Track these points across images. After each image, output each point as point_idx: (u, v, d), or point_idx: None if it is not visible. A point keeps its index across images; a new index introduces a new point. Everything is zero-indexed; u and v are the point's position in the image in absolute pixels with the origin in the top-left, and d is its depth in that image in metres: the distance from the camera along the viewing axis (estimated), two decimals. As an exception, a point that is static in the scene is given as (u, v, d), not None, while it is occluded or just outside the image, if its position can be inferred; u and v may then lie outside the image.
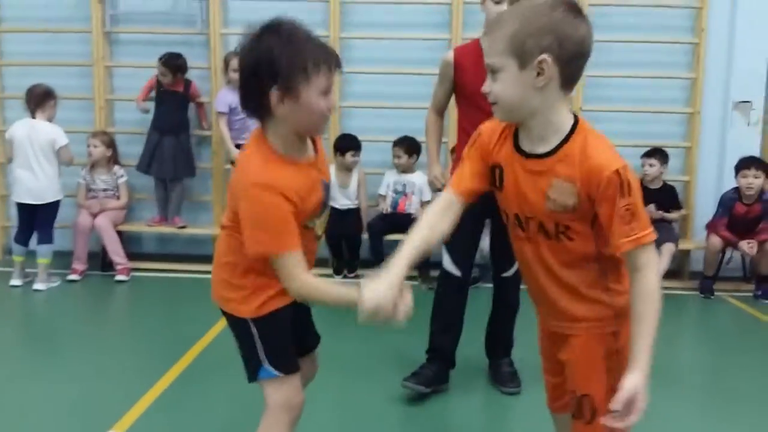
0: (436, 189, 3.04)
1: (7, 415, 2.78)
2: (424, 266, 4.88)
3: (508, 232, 1.69)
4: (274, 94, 1.62)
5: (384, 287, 1.51)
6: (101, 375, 3.24)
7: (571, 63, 1.46)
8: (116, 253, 5.01)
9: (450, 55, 2.99)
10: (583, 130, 1.52)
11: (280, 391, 1.87)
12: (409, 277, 5.13)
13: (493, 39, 1.50)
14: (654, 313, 1.47)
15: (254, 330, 1.83)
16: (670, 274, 4.96)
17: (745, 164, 4.81)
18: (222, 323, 3.73)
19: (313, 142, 1.84)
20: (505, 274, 3.09)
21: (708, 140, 5.28)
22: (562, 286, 1.58)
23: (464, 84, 2.92)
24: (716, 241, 4.87)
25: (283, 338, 1.88)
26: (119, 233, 5.19)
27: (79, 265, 4.97)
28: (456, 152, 3.02)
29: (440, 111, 3.13)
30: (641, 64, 5.15)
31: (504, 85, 1.48)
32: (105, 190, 5.23)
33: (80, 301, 4.64)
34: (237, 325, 1.86)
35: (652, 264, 1.48)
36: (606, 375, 1.59)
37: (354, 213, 5.15)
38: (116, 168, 5.26)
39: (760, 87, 5.21)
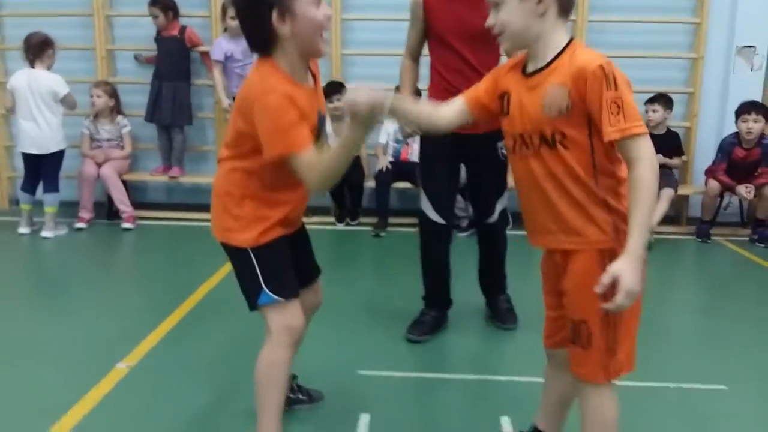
0: (407, 135, 2.97)
1: (21, 352, 2.89)
2: (383, 213, 4.98)
3: (511, 161, 1.78)
4: (274, 15, 1.75)
5: (366, 88, 1.71)
6: (110, 314, 3.35)
7: None
8: (122, 202, 5.09)
9: None
10: (574, 45, 1.66)
11: (280, 315, 1.95)
12: (366, 223, 5.08)
13: None
14: (646, 201, 1.54)
15: (254, 258, 1.92)
16: (668, 220, 5.02)
17: (745, 109, 4.81)
18: (225, 268, 3.91)
19: (313, 76, 1.94)
20: (489, 220, 3.06)
21: (710, 86, 5.26)
22: (567, 197, 1.66)
23: (434, 23, 2.84)
24: (714, 185, 4.91)
25: (282, 264, 1.96)
26: (124, 182, 5.26)
27: (86, 214, 5.05)
28: (429, 94, 2.93)
29: (414, 55, 3.02)
30: (644, 8, 5.10)
31: (508, 15, 1.65)
32: (109, 140, 5.28)
33: (87, 248, 4.73)
34: (237, 255, 1.95)
35: (645, 156, 1.55)
36: (602, 302, 1.64)
37: (355, 161, 5.16)
38: (119, 118, 5.30)
39: (765, 32, 5.16)
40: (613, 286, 1.54)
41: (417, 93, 3.15)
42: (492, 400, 2.51)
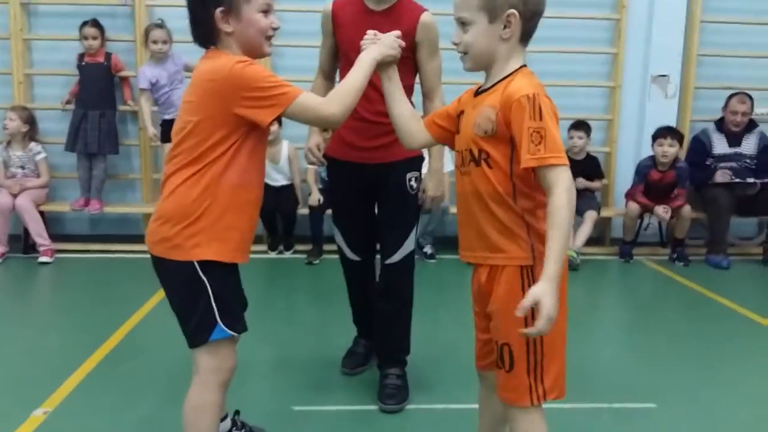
0: (311, 162, 2.74)
1: (-74, 399, 2.68)
2: (317, 241, 4.97)
3: (456, 175, 1.84)
4: (218, 14, 1.80)
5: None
6: (26, 356, 3.15)
7: (531, 20, 1.71)
8: (39, 235, 4.84)
9: (328, 7, 2.64)
10: (519, 72, 1.71)
11: (215, 354, 1.87)
12: (300, 251, 4.95)
13: None
14: (561, 228, 1.58)
15: (209, 286, 1.81)
16: (592, 241, 5.18)
17: (662, 133, 5.07)
18: (151, 301, 3.76)
19: None
20: (389, 261, 2.68)
21: (628, 113, 5.50)
22: (490, 215, 1.71)
23: (341, 41, 2.61)
24: (634, 207, 5.11)
25: (236, 295, 1.91)
26: (41, 213, 5.01)
27: (2, 248, 4.78)
28: None
29: (326, 73, 2.76)
30: (565, 39, 5.30)
31: (475, 37, 1.71)
32: (22, 167, 5.01)
33: (2, 284, 4.47)
34: (186, 282, 1.81)
35: (561, 184, 1.59)
36: (523, 324, 1.66)
37: (289, 189, 5.12)
38: (32, 144, 5.03)
39: (677, 61, 5.45)
40: (533, 311, 1.57)
41: None
42: (432, 429, 2.49)
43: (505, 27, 1.67)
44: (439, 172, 2.70)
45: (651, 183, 5.13)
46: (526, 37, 1.72)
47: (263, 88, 1.76)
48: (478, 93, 1.78)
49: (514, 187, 1.68)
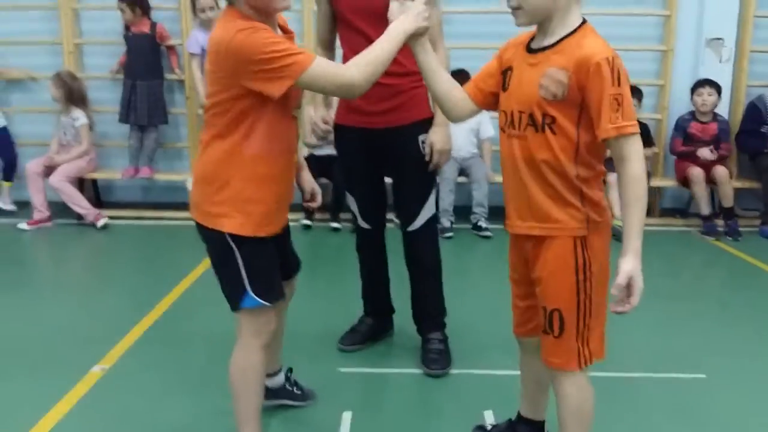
0: (319, 137, 2.67)
1: (-9, 356, 2.82)
2: (336, 209, 4.91)
3: (500, 140, 1.76)
4: None
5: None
6: (83, 315, 3.27)
7: None
8: (77, 206, 4.93)
9: None
10: (585, 29, 1.62)
11: (255, 319, 1.90)
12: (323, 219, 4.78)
13: None
14: (640, 199, 1.56)
15: (238, 255, 1.83)
16: (641, 211, 5.05)
17: (699, 84, 5.00)
18: (203, 265, 3.85)
19: (284, 31, 1.89)
20: (410, 228, 2.64)
21: (680, 78, 5.31)
22: (544, 183, 1.65)
23: (337, 4, 2.50)
24: (697, 171, 4.87)
25: (269, 263, 1.90)
26: (94, 181, 5.13)
27: (38, 214, 4.91)
28: None
29: (325, 43, 2.66)
30: (617, 1, 5.14)
31: None
32: (66, 134, 5.11)
33: (58, 247, 4.62)
34: (219, 247, 1.84)
35: (637, 155, 1.56)
36: (575, 290, 1.67)
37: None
38: (75, 111, 5.09)
39: (732, 24, 5.23)
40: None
41: None
42: (474, 395, 2.51)
43: None
44: (445, 125, 2.54)
45: (692, 136, 5.02)
46: None
47: (268, 59, 1.65)
48: (533, 49, 1.67)
49: (577, 155, 1.62)
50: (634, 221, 1.56)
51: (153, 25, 5.11)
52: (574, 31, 1.61)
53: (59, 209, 5.04)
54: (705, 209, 4.90)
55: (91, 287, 3.81)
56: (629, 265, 1.55)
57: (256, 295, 1.86)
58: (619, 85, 1.54)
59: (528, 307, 1.84)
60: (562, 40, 1.62)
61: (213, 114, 1.80)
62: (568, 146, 1.62)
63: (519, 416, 2.07)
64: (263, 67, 1.67)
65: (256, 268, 1.86)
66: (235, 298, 1.88)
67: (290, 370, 2.38)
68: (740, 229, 4.89)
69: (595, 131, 1.58)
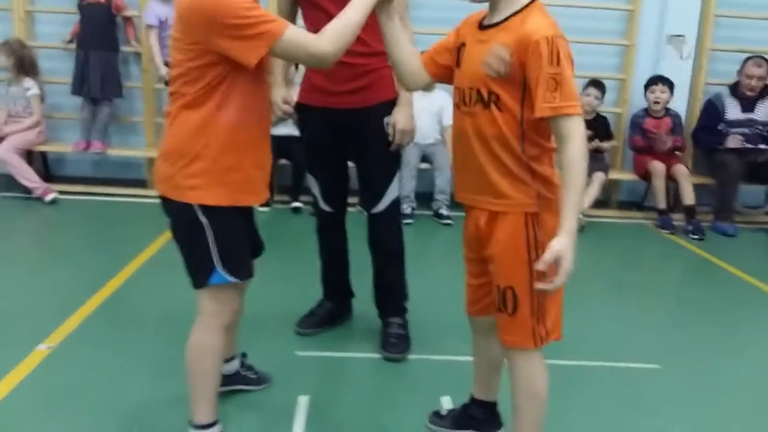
0: (280, 118, 2.58)
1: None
2: (296, 190, 4.89)
3: (453, 116, 1.75)
4: None
5: None
6: (31, 292, 3.15)
7: None
8: (26, 179, 4.73)
9: None
10: (533, 7, 1.60)
11: (218, 298, 1.84)
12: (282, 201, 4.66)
13: None
14: (577, 180, 1.56)
15: (209, 230, 1.76)
16: (599, 204, 5.13)
17: (653, 81, 5.11)
18: (157, 242, 3.74)
19: None
20: (374, 210, 2.61)
21: (641, 73, 5.39)
22: (494, 159, 1.65)
23: None
24: (658, 165, 4.95)
25: (241, 240, 1.84)
26: (43, 154, 4.94)
27: None
28: (306, 71, 2.58)
29: (285, 19, 2.67)
30: (581, -6, 5.17)
31: None
32: (15, 104, 4.91)
33: (4, 221, 4.43)
34: (188, 222, 1.77)
35: (576, 135, 1.55)
36: (527, 268, 1.66)
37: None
38: (26, 81, 4.88)
39: (694, 22, 5.32)
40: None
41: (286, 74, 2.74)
42: (432, 380, 2.49)
43: None
44: (408, 104, 2.50)
45: (648, 132, 5.12)
46: None
47: (243, 25, 1.60)
48: (484, 26, 1.66)
49: (522, 133, 1.62)
50: (571, 201, 1.55)
51: (109, -6, 4.92)
52: (522, 9, 1.60)
53: (3, 182, 4.83)
54: (662, 203, 4.99)
55: (39, 263, 3.67)
56: (559, 243, 1.54)
57: (227, 271, 1.79)
58: (558, 64, 1.52)
59: (480, 285, 1.84)
60: (509, 17, 1.60)
61: (182, 83, 1.72)
62: (513, 123, 1.61)
63: (472, 399, 2.08)
64: (238, 33, 1.62)
65: (228, 243, 1.79)
66: (202, 274, 1.80)
67: (244, 354, 2.32)
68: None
69: (532, 110, 1.57)
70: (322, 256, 2.84)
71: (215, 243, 1.77)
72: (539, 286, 1.60)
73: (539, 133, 1.63)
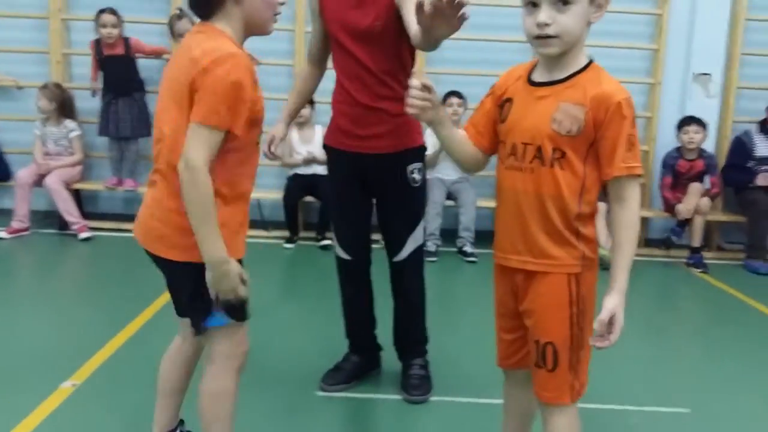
0: (270, 156, 2.55)
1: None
2: (323, 227, 4.89)
3: (497, 170, 1.71)
4: None
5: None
6: (57, 328, 3.19)
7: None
8: (68, 213, 4.88)
9: None
10: (597, 67, 1.62)
11: (227, 340, 1.81)
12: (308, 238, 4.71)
13: None
14: (632, 242, 1.59)
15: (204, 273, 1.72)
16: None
17: (685, 121, 5.02)
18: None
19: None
20: (396, 258, 2.58)
21: (667, 111, 5.37)
22: (543, 218, 1.62)
23: (326, 18, 2.45)
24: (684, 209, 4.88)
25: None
26: (77, 192, 5.07)
27: (17, 224, 4.82)
28: (332, 106, 2.56)
29: (314, 59, 2.61)
30: (605, 33, 5.18)
31: (575, 18, 1.54)
32: (57, 144, 5.07)
33: (34, 258, 4.54)
34: (185, 272, 1.75)
35: (636, 197, 1.59)
36: (569, 324, 1.64)
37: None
38: (67, 122, 5.06)
39: (720, 59, 5.30)
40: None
41: (310, 102, 2.75)
42: (455, 422, 2.45)
43: (599, 8, 1.57)
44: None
45: (680, 173, 5.05)
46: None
47: (231, 100, 1.60)
48: (539, 82, 1.63)
49: (581, 192, 1.60)
50: (625, 262, 1.58)
51: (126, 42, 5.02)
52: (585, 67, 1.60)
53: (38, 218, 4.94)
54: (695, 241, 4.92)
55: (68, 299, 3.72)
56: (613, 302, 1.57)
57: (224, 313, 1.76)
58: (633, 126, 1.56)
59: (514, 339, 1.80)
60: (573, 75, 1.59)
61: (175, 141, 1.67)
62: (574, 182, 1.60)
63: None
64: (212, 97, 1.60)
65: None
66: (201, 317, 1.78)
67: (181, 422, 2.14)
68: (726, 262, 4.94)
69: (604, 169, 1.57)
70: (345, 309, 2.75)
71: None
72: (597, 344, 1.59)
73: (595, 193, 1.63)
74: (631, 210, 1.58)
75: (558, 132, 1.57)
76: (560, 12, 1.52)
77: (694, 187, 4.90)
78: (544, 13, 1.52)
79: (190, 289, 1.77)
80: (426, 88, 1.61)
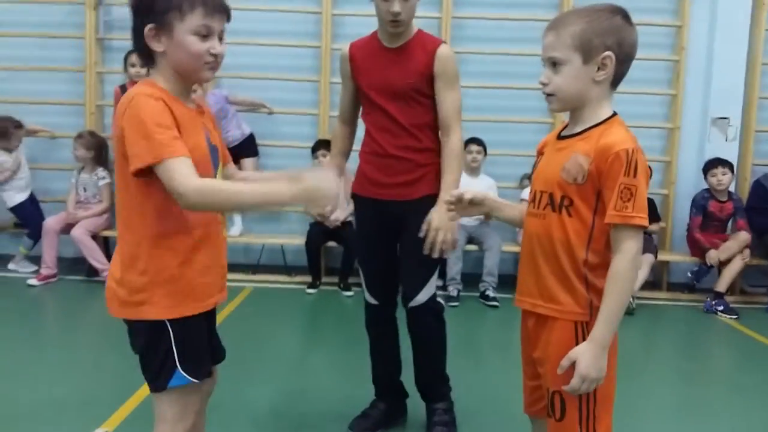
0: (331, 221, 2.43)
1: (-5, 414, 2.79)
2: (346, 274, 4.94)
3: (525, 215, 1.78)
4: (149, 31, 1.65)
5: (331, 174, 1.70)
6: (89, 375, 3.25)
7: (624, 64, 1.66)
8: (95, 260, 5.01)
9: (346, 49, 2.64)
10: (614, 121, 1.67)
11: (182, 401, 1.76)
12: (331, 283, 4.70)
13: (558, 35, 1.64)
14: (617, 294, 1.58)
15: (171, 331, 1.68)
16: (648, 285, 5.06)
17: (712, 164, 5.06)
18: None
19: (199, 107, 1.80)
20: (411, 304, 2.59)
21: (687, 155, 5.42)
22: (553, 263, 1.67)
23: (360, 81, 2.59)
24: (713, 253, 4.92)
25: (200, 340, 1.77)
26: (105, 239, 5.20)
27: (46, 270, 4.96)
28: (360, 156, 2.67)
29: (346, 118, 2.74)
30: (625, 80, 5.26)
31: (566, 78, 1.64)
32: (87, 191, 5.23)
33: (63, 304, 4.63)
34: (149, 329, 1.70)
35: (631, 248, 1.58)
36: (570, 376, 1.63)
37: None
38: (99, 170, 5.24)
39: (738, 104, 5.36)
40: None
41: (346, 156, 2.77)
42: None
43: (599, 69, 1.62)
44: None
45: (711, 214, 5.07)
46: (617, 80, 1.67)
47: (149, 132, 1.55)
48: (562, 136, 1.73)
49: (589, 241, 1.64)
50: (605, 312, 1.58)
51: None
52: (604, 121, 1.66)
53: (66, 265, 5.07)
54: (721, 286, 4.90)
55: (98, 346, 3.79)
56: (579, 348, 1.58)
57: (185, 372, 1.71)
58: (634, 176, 1.56)
59: (535, 387, 1.82)
60: (589, 129, 1.67)
61: (121, 197, 1.69)
62: (582, 230, 1.64)
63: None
64: (138, 134, 1.56)
65: (187, 344, 1.71)
66: (163, 377, 1.72)
67: None
68: (749, 306, 4.89)
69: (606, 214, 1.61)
70: (372, 353, 2.79)
71: (175, 345, 1.69)
72: (564, 387, 1.61)
73: (605, 243, 1.65)
74: (623, 260, 1.57)
75: (566, 180, 1.64)
76: (555, 73, 1.65)
77: (741, 237, 4.89)
78: (544, 74, 1.68)
79: (149, 347, 1.73)
80: (458, 200, 1.84)
